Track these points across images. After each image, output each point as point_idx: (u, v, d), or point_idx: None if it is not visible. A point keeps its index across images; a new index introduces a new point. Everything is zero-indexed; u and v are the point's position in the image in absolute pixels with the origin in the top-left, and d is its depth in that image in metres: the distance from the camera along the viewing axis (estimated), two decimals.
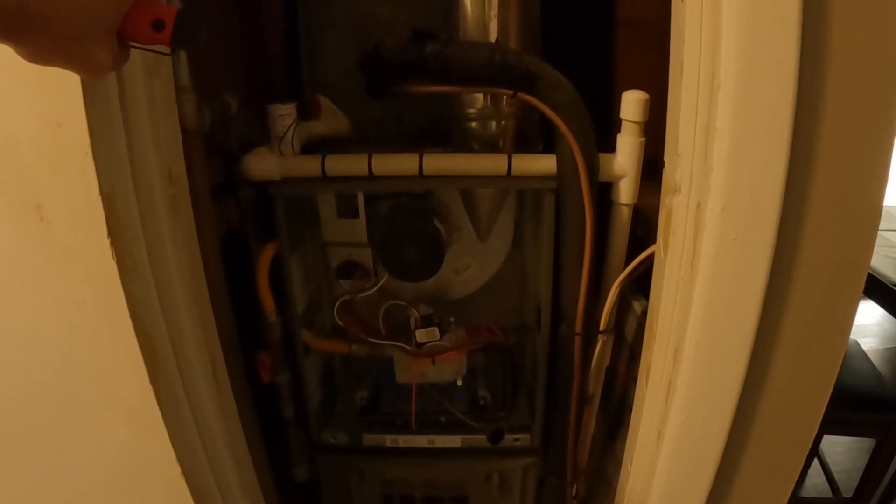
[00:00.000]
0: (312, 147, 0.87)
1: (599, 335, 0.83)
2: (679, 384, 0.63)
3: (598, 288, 0.85)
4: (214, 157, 0.86)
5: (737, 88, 0.53)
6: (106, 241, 0.54)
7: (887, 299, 1.79)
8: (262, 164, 0.81)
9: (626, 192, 0.82)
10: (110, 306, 0.58)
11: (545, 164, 0.81)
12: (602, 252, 0.85)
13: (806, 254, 0.60)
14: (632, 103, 0.80)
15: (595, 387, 0.90)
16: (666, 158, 0.68)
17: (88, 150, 0.51)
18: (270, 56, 0.98)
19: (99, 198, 0.52)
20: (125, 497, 0.73)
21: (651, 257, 0.76)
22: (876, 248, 1.97)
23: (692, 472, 0.67)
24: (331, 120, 0.95)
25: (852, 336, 1.94)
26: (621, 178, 0.82)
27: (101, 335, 0.60)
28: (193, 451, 0.73)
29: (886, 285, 1.77)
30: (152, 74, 0.59)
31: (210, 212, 0.82)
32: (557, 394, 0.90)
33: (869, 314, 3.10)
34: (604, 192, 0.84)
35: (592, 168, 0.79)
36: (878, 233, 2.03)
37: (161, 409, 0.64)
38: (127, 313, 0.58)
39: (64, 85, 0.49)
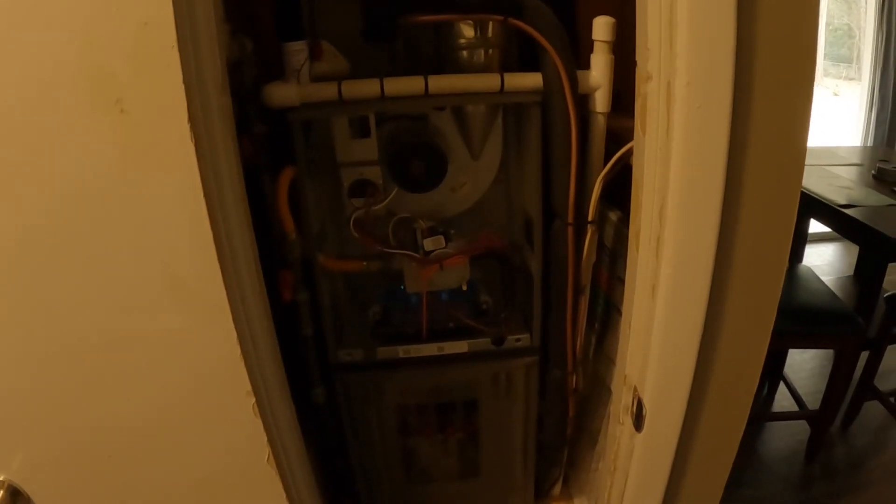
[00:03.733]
0: None
1: (588, 225, 0.96)
2: (666, 238, 0.75)
3: (582, 188, 0.97)
4: (231, 94, 0.95)
5: None
6: (186, 127, 0.63)
7: (830, 216, 2.13)
8: (283, 92, 0.91)
9: (601, 102, 0.96)
10: (183, 190, 0.67)
11: (532, 80, 0.93)
12: (584, 156, 0.97)
13: (757, 119, 0.74)
14: (602, 25, 0.93)
15: (586, 277, 1.03)
16: (638, 58, 0.81)
17: (174, 43, 0.60)
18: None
19: (182, 87, 0.62)
20: (195, 382, 0.82)
21: (626, 157, 0.90)
22: (821, 181, 2.29)
23: (685, 317, 0.79)
24: (332, 62, 1.05)
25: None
26: (596, 89, 0.95)
27: (173, 219, 0.69)
28: (245, 338, 0.81)
29: (830, 206, 2.09)
30: None
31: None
32: (553, 287, 1.02)
33: (821, 256, 3.40)
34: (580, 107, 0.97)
35: (573, 79, 0.91)
36: (824, 168, 2.39)
37: (226, 288, 0.74)
38: (196, 196, 0.67)
39: None
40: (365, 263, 1.06)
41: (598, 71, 0.95)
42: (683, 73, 0.70)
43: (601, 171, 0.95)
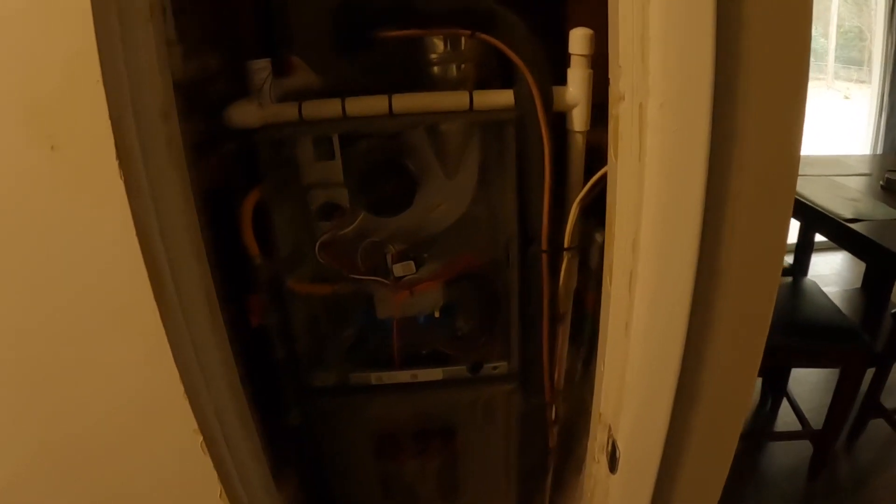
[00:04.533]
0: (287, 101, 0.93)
1: (564, 252, 0.91)
2: (640, 272, 0.70)
3: (561, 212, 0.92)
4: (195, 114, 0.91)
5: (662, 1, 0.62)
6: (114, 164, 0.60)
7: (835, 231, 2.03)
8: (244, 113, 0.87)
9: (578, 120, 0.91)
10: (116, 226, 0.63)
11: (503, 98, 0.89)
12: (562, 179, 0.92)
13: (742, 141, 0.68)
14: (579, 38, 0.88)
15: (565, 305, 0.98)
16: (610, 76, 0.76)
17: (99, 77, 0.56)
18: (241, 18, 1.04)
19: (108, 123, 0.58)
20: (136, 422, 0.78)
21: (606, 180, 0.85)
22: (826, 191, 2.22)
23: (661, 357, 0.74)
24: (303, 77, 1.01)
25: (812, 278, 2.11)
26: (574, 106, 0.90)
27: (112, 255, 0.65)
28: (193, 373, 0.77)
29: (836, 220, 1.99)
30: (148, 20, 0.64)
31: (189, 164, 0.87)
32: (531, 314, 0.97)
33: (829, 265, 3.33)
34: (559, 125, 0.92)
35: (547, 96, 0.87)
36: (831, 178, 2.31)
37: (167, 324, 0.70)
38: (129, 233, 0.63)
39: (77, 18, 0.55)
40: (333, 287, 1.01)
41: (576, 87, 0.89)
42: (657, 93, 0.65)
43: (579, 194, 0.90)
